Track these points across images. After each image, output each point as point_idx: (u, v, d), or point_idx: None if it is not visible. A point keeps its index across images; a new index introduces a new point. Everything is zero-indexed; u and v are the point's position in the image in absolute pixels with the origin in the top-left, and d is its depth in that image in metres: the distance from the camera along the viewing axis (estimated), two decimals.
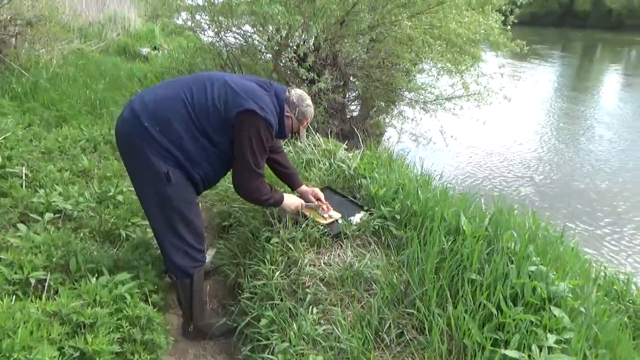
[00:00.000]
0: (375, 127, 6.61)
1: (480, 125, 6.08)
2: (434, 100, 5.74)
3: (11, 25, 7.43)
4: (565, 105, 13.36)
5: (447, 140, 6.10)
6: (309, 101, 2.65)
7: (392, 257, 2.51)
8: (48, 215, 2.80)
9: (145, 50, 11.85)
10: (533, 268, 2.11)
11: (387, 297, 2.13)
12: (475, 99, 5.76)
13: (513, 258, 2.17)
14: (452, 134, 6.31)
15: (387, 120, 6.53)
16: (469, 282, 2.04)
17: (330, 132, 6.15)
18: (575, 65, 22.99)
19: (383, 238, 2.70)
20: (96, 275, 2.37)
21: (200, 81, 2.43)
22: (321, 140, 3.79)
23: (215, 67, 6.74)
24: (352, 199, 3.10)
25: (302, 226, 2.76)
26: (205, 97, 2.36)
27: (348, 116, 6.38)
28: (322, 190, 3.14)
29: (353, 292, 2.29)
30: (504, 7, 6.67)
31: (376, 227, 2.75)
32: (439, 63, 5.95)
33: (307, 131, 3.87)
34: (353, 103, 6.48)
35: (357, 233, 2.76)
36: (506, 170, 7.56)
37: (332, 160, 3.53)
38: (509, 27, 6.74)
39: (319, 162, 3.52)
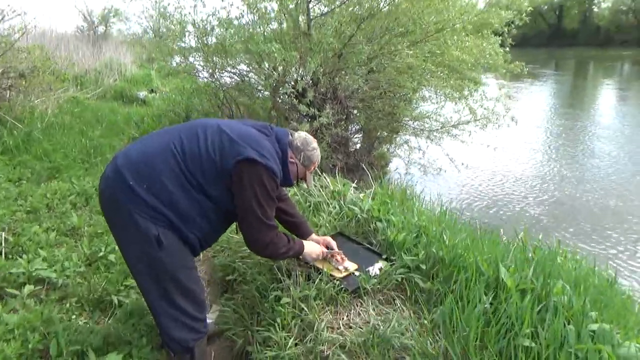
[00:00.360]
0: (380, 158, 6.32)
1: (480, 148, 5.76)
2: (441, 128, 5.46)
3: (4, 78, 7.24)
4: (563, 122, 13.12)
5: (458, 167, 5.79)
6: (314, 144, 2.34)
7: (423, 317, 2.15)
8: (28, 288, 2.46)
9: (142, 94, 11.71)
10: (594, 327, 1.75)
11: None
12: (483, 124, 5.48)
13: (568, 315, 1.82)
14: (461, 160, 6.01)
15: (391, 151, 6.25)
16: (522, 350, 1.68)
17: (334, 166, 5.87)
18: (569, 83, 22.94)
19: (409, 292, 2.35)
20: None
21: (192, 129, 2.13)
22: (328, 180, 3.47)
23: (212, 107, 6.51)
24: (368, 246, 2.76)
25: (316, 281, 2.42)
26: (198, 146, 2.06)
27: (352, 149, 6.10)
28: (333, 237, 2.80)
29: None
30: (499, 29, 6.47)
31: (399, 280, 2.40)
32: (442, 90, 5.70)
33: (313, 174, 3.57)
34: (355, 136, 6.20)
35: (378, 287, 2.40)
36: (509, 192, 7.25)
37: (342, 202, 3.20)
38: (507, 48, 6.53)
39: (328, 206, 3.19)
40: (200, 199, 2.05)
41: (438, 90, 5.85)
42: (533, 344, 1.69)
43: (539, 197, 7.07)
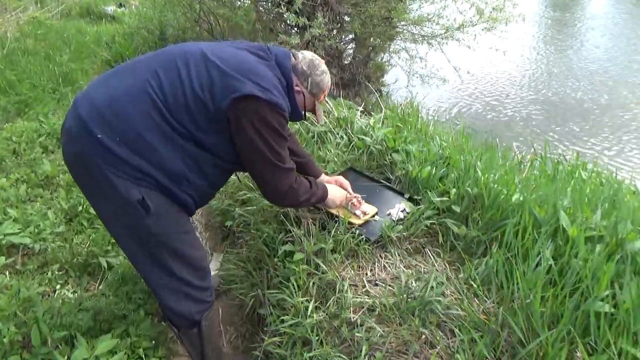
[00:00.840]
0: (377, 70, 5.75)
1: (473, 51, 5.21)
2: (445, 32, 4.85)
3: None
4: (553, 14, 12.29)
5: (462, 75, 5.28)
6: (323, 66, 1.87)
7: (463, 271, 1.82)
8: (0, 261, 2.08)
9: (110, 9, 10.59)
10: None
11: (480, 350, 1.46)
12: (491, 25, 4.87)
13: None
14: (463, 67, 5.47)
15: (389, 61, 5.66)
16: (602, 317, 1.36)
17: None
18: None
19: (441, 239, 2.00)
20: (70, 347, 1.70)
21: (169, 61, 1.64)
22: (331, 105, 3.00)
23: (188, 22, 5.77)
24: (386, 183, 2.37)
25: (332, 232, 2.06)
26: (181, 83, 1.59)
27: (346, 62, 5.51)
28: (344, 175, 2.41)
29: (422, 332, 1.62)
30: None
31: (428, 225, 2.04)
32: None
33: None
34: (348, 46, 5.57)
35: (404, 234, 2.06)
36: (503, 93, 6.89)
37: (349, 132, 2.76)
38: None
39: (334, 136, 2.76)
40: (192, 150, 1.62)
41: None
42: (613, 309, 1.38)
43: (530, 96, 6.80)
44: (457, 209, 1.98)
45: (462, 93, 6.87)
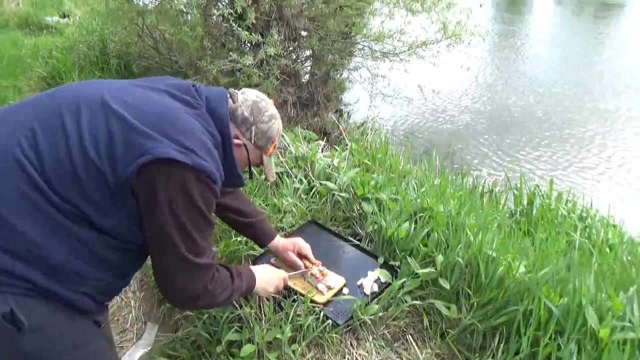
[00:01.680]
0: (337, 88, 5.32)
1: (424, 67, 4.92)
2: (408, 49, 4.48)
3: None
4: (499, 26, 12.33)
5: (426, 94, 4.92)
6: (271, 109, 1.40)
7: None
8: None
9: (52, 19, 9.74)
10: None
11: None
12: (454, 41, 4.55)
13: None
14: (425, 85, 5.13)
15: (350, 79, 5.26)
16: None
17: (285, 102, 4.86)
18: None
19: (426, 321, 1.57)
20: None
21: (53, 111, 1.13)
22: (288, 140, 2.53)
23: (130, 37, 5.17)
24: (356, 242, 1.93)
25: (290, 315, 1.59)
26: (66, 143, 1.08)
27: (304, 80, 5.05)
28: (304, 230, 1.95)
29: None
30: None
31: (408, 303, 1.60)
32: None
33: None
34: (306, 64, 5.12)
35: (381, 314, 1.61)
36: (441, 107, 6.70)
37: (310, 174, 2.30)
38: None
39: (292, 179, 2.29)
40: (85, 235, 1.10)
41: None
42: None
43: (475, 108, 6.73)
44: (445, 284, 1.55)
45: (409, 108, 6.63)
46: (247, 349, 1.54)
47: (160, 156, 1.08)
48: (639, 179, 4.83)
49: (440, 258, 1.62)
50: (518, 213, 2.90)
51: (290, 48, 4.63)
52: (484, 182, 3.27)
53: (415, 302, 1.55)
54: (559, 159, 5.28)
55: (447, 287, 1.53)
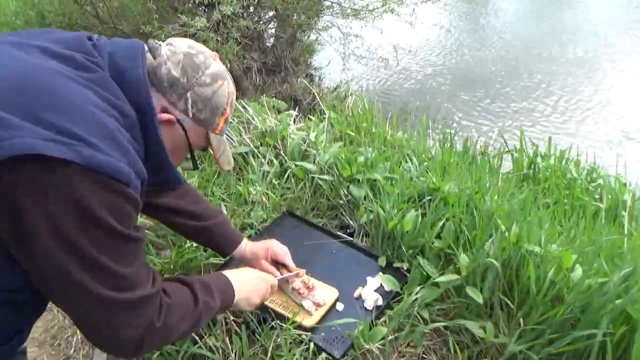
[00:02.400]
0: (305, 51, 4.77)
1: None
2: (382, 5, 3.96)
3: None
4: None
5: (400, 54, 4.45)
6: (214, 64, 0.90)
7: None
8: None
9: None
10: None
11: None
12: None
13: None
14: (401, 43, 4.65)
15: (318, 40, 4.71)
16: None
17: (249, 69, 4.31)
18: None
19: (452, 344, 1.14)
20: None
21: None
22: (251, 111, 2.02)
23: (69, 5, 4.48)
24: (346, 237, 1.48)
25: (269, 346, 1.14)
26: None
27: (268, 44, 4.49)
28: (277, 225, 1.50)
29: None
30: None
31: (429, 326, 1.17)
32: None
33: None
34: (270, 26, 4.54)
35: (391, 338, 1.17)
36: (411, 66, 6.24)
37: (281, 153, 1.81)
38: None
39: (260, 160, 1.80)
40: None
41: None
42: None
43: (445, 65, 6.32)
44: (477, 296, 1.12)
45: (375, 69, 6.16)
46: None
47: (19, 152, 0.60)
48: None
49: (464, 259, 1.18)
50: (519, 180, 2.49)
51: (251, 8, 4.06)
52: (475, 144, 2.83)
53: (439, 323, 1.12)
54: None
55: (480, 300, 1.10)
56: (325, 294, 1.28)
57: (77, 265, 0.68)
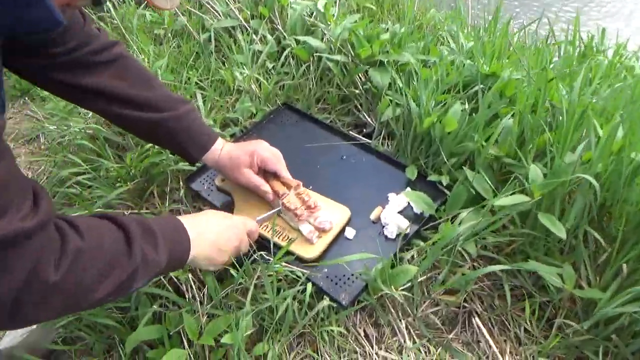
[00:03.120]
0: None
1: None
2: None
3: None
4: None
5: None
6: None
7: None
8: None
9: None
10: None
11: None
12: None
13: None
14: None
15: None
16: None
17: None
18: None
19: (509, 296, 0.79)
20: None
21: None
22: None
23: None
24: (362, 139, 1.09)
25: (249, 286, 0.81)
26: None
27: None
28: (271, 122, 1.11)
29: None
30: None
31: (481, 271, 0.81)
32: None
33: None
34: None
35: (421, 280, 0.83)
36: None
37: (279, 28, 1.36)
38: None
39: (251, 36, 1.35)
40: None
41: None
42: None
43: None
44: (557, 230, 0.74)
45: None
46: (174, 354, 0.78)
47: None
48: None
49: (537, 173, 0.79)
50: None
51: None
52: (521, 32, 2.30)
53: (495, 266, 0.75)
54: None
55: (562, 233, 0.73)
56: (331, 214, 0.92)
57: None
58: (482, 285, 0.85)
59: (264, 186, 0.92)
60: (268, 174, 0.96)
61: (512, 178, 0.83)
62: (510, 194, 0.78)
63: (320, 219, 0.90)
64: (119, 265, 0.58)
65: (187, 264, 0.72)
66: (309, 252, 0.88)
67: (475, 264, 0.84)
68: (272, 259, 0.81)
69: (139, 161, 1.10)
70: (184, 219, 0.71)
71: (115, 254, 0.58)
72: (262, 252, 0.83)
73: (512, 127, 0.89)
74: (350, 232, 0.92)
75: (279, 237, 0.91)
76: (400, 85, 1.06)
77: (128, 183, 1.08)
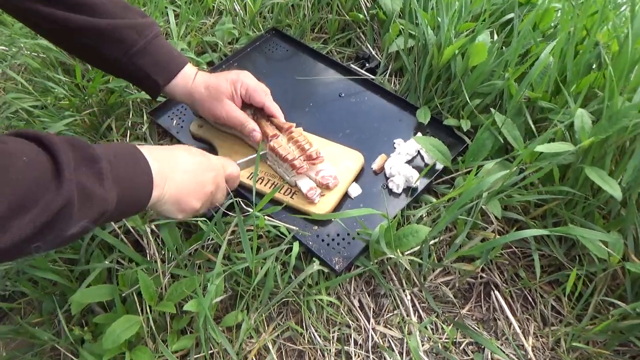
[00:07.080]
0: None
1: None
2: None
3: None
4: None
5: None
6: None
7: None
8: None
9: None
10: None
11: None
12: None
13: None
14: None
15: None
16: None
17: None
18: None
19: (537, 260, 0.65)
20: None
21: None
22: None
23: None
24: (366, 74, 0.91)
25: (224, 236, 0.65)
26: None
27: None
28: (256, 47, 0.92)
29: None
30: None
31: (509, 237, 0.66)
32: None
33: None
34: None
35: (434, 243, 0.68)
36: None
37: None
38: None
39: None
40: None
41: None
42: None
43: None
44: (611, 188, 0.59)
45: None
46: (112, 336, 0.62)
47: None
48: None
49: (584, 119, 0.63)
50: None
51: None
52: None
53: (529, 230, 0.60)
54: None
55: (617, 193, 0.58)
56: (340, 162, 0.75)
57: None
58: (502, 253, 0.70)
59: (250, 123, 0.75)
60: (255, 109, 0.78)
61: (549, 126, 0.67)
62: (546, 144, 0.62)
63: (324, 172, 0.73)
64: (41, 199, 0.40)
65: (148, 209, 0.55)
66: (310, 204, 0.72)
67: (498, 226, 0.69)
68: (252, 209, 0.65)
69: (94, 89, 0.90)
70: (146, 149, 0.53)
71: (34, 183, 0.40)
72: (239, 199, 0.67)
73: (553, 64, 0.72)
74: (354, 190, 0.75)
75: (266, 186, 0.74)
76: (414, 9, 0.87)
77: (81, 113, 0.89)
